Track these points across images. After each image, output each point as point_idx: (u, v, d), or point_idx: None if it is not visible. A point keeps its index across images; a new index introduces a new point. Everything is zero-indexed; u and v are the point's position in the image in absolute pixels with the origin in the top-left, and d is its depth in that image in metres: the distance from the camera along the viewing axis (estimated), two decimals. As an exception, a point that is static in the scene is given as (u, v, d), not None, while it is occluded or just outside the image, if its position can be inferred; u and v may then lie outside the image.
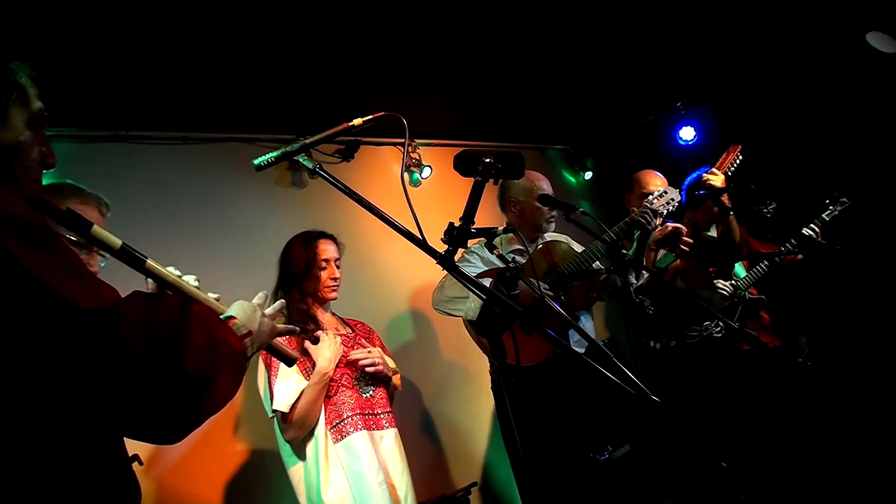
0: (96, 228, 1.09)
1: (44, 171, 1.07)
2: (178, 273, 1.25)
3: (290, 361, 1.41)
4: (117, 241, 1.12)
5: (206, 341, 0.97)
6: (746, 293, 3.34)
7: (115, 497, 0.97)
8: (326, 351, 2.41)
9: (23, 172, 1.00)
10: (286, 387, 2.35)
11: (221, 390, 0.98)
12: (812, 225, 3.34)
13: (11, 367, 0.84)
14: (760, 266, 3.34)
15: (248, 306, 1.23)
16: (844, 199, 3.35)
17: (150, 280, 1.22)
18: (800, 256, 3.33)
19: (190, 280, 1.28)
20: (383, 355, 2.68)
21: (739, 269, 3.45)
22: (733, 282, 3.38)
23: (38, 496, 0.87)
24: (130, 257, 1.14)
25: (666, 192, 2.73)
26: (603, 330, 4.44)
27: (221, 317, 1.18)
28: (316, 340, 2.44)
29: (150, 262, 1.16)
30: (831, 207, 3.35)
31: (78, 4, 2.23)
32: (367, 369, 2.48)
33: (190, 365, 0.90)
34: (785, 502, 3.23)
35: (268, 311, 1.30)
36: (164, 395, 0.88)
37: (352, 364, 2.49)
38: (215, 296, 1.29)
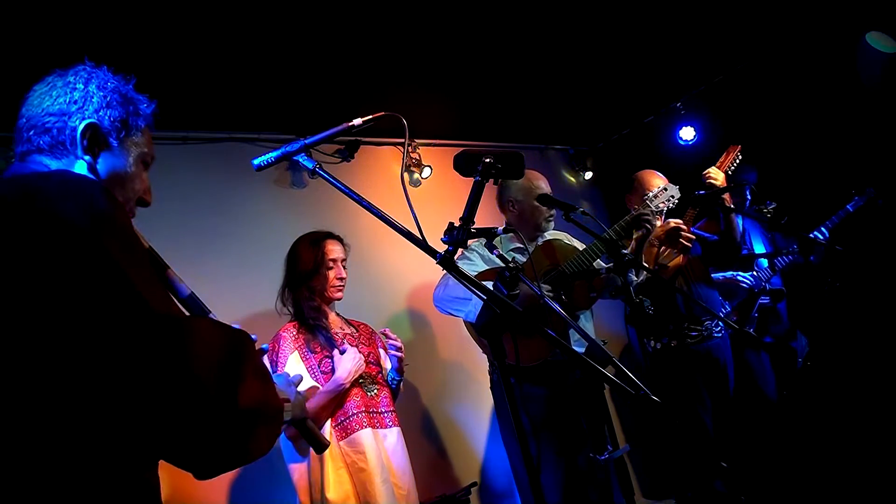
0: (171, 272, 1.16)
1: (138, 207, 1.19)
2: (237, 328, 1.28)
3: (320, 447, 1.42)
4: (186, 290, 1.18)
5: (259, 385, 0.95)
6: (767, 285, 3.36)
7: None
8: (349, 363, 2.43)
9: (123, 201, 1.10)
10: (289, 385, 2.36)
11: (260, 440, 0.95)
12: (829, 222, 3.40)
13: (69, 355, 0.84)
14: (783, 258, 3.38)
15: (286, 380, 1.28)
16: (871, 190, 3.41)
17: None
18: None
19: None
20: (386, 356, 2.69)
21: (762, 260, 3.48)
22: (755, 272, 3.39)
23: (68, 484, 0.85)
24: (197, 307, 1.19)
25: (666, 189, 2.73)
26: (603, 329, 4.44)
27: None
28: (343, 352, 2.48)
29: (213, 315, 1.20)
30: (857, 199, 3.42)
31: (76, 3, 2.23)
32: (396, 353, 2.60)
33: (242, 400, 0.88)
34: (785, 502, 3.23)
35: (301, 388, 1.36)
36: (210, 421, 0.86)
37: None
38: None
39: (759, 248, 3.62)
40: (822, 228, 3.47)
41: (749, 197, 3.57)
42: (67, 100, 1.07)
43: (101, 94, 1.11)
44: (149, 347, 0.83)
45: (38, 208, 0.86)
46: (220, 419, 0.86)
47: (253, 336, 1.32)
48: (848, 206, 3.47)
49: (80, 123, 1.06)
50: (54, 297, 0.83)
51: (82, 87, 1.09)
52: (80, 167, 1.07)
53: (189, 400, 0.84)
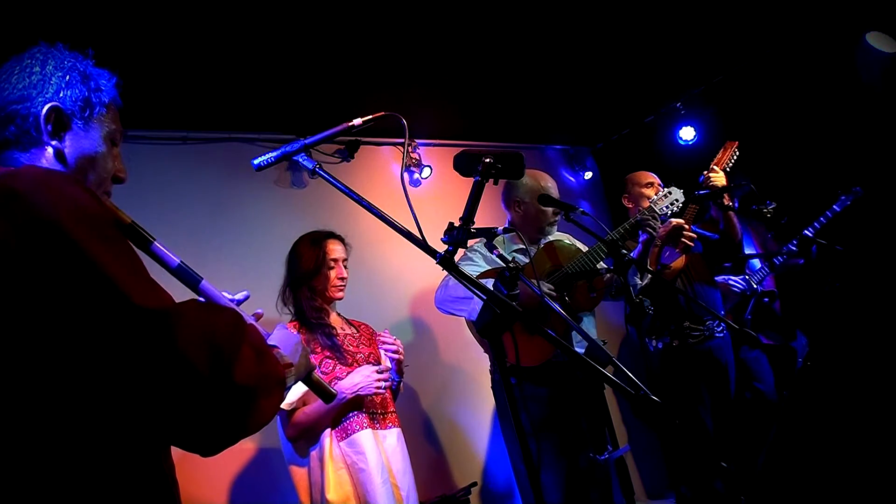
0: (157, 245, 1.14)
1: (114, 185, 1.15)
2: (230, 296, 1.26)
3: (328, 397, 1.41)
4: (175, 259, 1.17)
5: (255, 359, 0.96)
6: (759, 287, 3.36)
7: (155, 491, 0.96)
8: (358, 377, 2.41)
9: (97, 181, 1.09)
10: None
11: (262, 411, 0.97)
12: (817, 222, 3.38)
13: (60, 355, 0.84)
14: (773, 259, 3.37)
15: (290, 338, 1.25)
16: (858, 189, 3.39)
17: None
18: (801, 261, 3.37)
19: (240, 296, 1.30)
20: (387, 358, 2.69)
21: (753, 262, 3.48)
22: (746, 276, 3.39)
23: (77, 484, 0.86)
24: (187, 276, 1.18)
25: (670, 193, 2.72)
26: (604, 330, 4.44)
27: None
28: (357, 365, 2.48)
29: (205, 282, 1.20)
30: (843, 198, 3.39)
31: (75, 3, 2.23)
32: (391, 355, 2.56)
33: (238, 378, 0.89)
34: (785, 502, 3.23)
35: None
36: (209, 403, 0.87)
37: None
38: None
39: (749, 252, 3.63)
40: (809, 230, 3.45)
41: (737, 205, 3.56)
42: (26, 84, 1.04)
43: (60, 73, 1.07)
44: (136, 341, 0.83)
45: (11, 210, 0.84)
46: (218, 399, 0.88)
47: (259, 310, 1.32)
48: (835, 206, 3.45)
49: (41, 108, 1.03)
50: (35, 300, 0.83)
51: (39, 69, 1.05)
52: (49, 155, 1.04)
53: (184, 385, 0.85)
